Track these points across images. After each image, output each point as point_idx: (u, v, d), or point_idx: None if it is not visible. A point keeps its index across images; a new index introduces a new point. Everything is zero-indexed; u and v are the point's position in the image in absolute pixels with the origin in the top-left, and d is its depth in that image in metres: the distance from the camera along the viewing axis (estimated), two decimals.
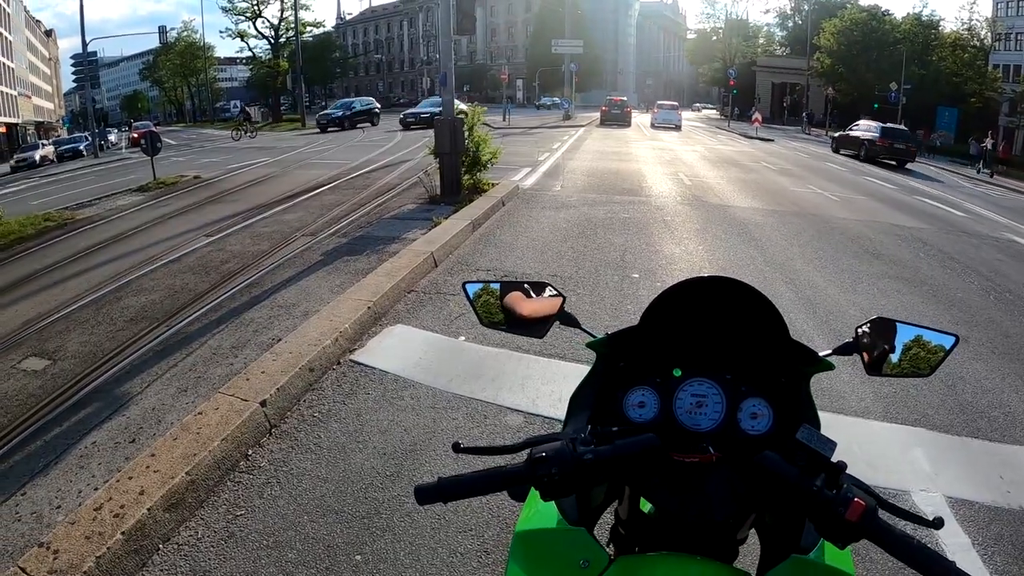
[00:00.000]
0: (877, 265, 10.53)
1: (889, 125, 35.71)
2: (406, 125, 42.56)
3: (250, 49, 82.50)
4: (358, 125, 48.63)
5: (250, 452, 4.43)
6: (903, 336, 1.75)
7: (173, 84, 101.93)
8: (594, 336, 1.75)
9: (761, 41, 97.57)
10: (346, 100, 57.98)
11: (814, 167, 28.60)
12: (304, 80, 71.45)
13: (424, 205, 13.27)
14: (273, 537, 3.66)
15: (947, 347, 1.73)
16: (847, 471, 1.29)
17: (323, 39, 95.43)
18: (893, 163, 33.32)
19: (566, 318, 1.83)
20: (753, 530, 1.62)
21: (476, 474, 1.34)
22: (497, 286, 1.88)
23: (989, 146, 42.05)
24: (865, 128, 35.67)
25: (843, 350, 1.77)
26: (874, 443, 4.96)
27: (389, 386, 5.45)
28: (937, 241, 13.23)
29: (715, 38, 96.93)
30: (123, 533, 3.44)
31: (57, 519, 3.97)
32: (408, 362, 5.91)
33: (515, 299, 1.85)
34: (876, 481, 4.35)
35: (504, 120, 43.54)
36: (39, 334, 7.74)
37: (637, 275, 8.86)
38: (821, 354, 1.72)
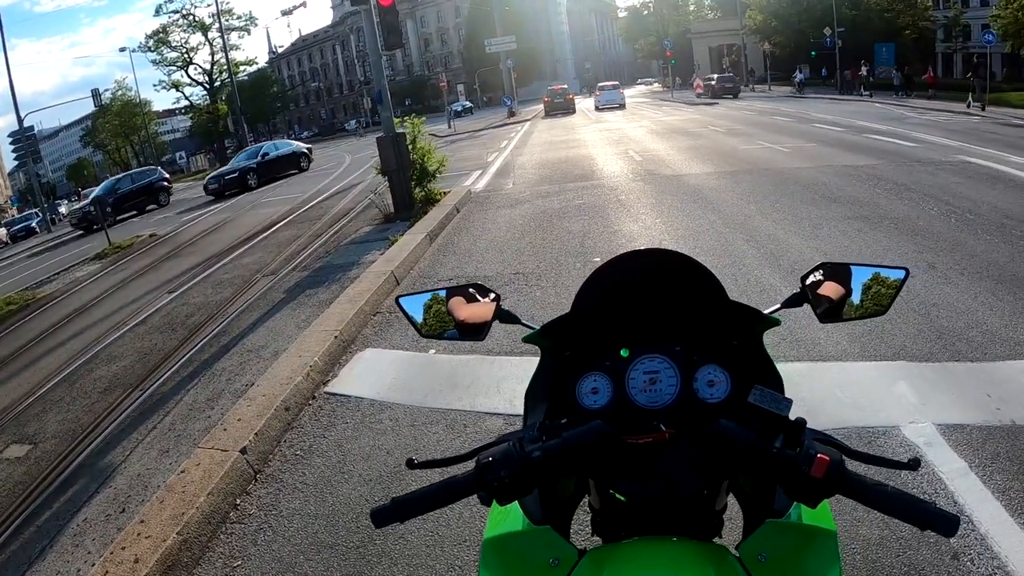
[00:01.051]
0: (836, 208, 10.65)
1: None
2: (213, 192, 31.87)
3: (186, 98, 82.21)
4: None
5: (238, 501, 4.43)
6: (849, 277, 1.73)
7: (116, 145, 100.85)
8: (533, 328, 1.74)
9: (692, 7, 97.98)
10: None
11: (761, 123, 28.85)
12: (246, 119, 71.15)
13: (380, 225, 13.28)
14: None
15: (899, 280, 1.74)
16: (810, 425, 1.28)
17: (258, 76, 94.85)
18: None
19: (504, 315, 1.82)
20: (734, 498, 1.62)
21: (429, 488, 1.33)
22: (429, 296, 1.85)
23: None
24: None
25: (792, 302, 1.75)
26: (857, 384, 4.98)
27: (366, 412, 5.46)
28: (892, 175, 13.39)
29: (646, 12, 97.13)
30: None
31: None
32: (382, 385, 5.92)
33: (451, 305, 1.82)
34: (863, 421, 4.44)
35: (449, 127, 43.56)
36: (16, 420, 7.66)
37: (599, 259, 8.73)
38: (770, 309, 1.71)
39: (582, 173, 17.34)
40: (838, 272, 1.74)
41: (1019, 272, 7.30)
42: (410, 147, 13.97)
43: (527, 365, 5.70)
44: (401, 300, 1.86)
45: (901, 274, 1.74)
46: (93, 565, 3.99)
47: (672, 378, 1.65)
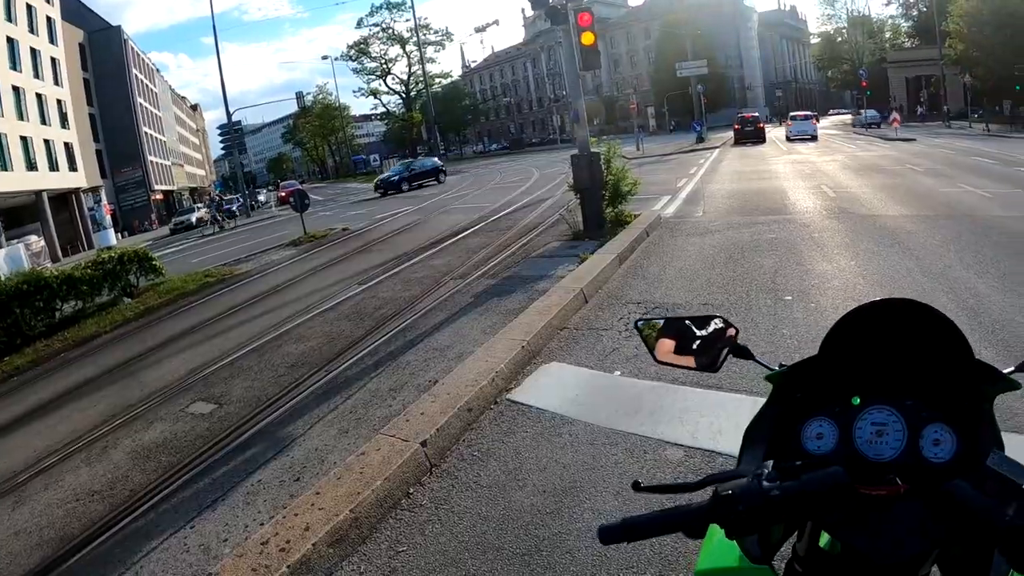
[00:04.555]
0: None
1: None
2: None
3: (383, 105, 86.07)
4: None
5: (411, 491, 4.52)
6: None
7: (314, 144, 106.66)
8: (770, 368, 1.73)
9: (888, 35, 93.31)
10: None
11: (961, 163, 27.23)
12: (438, 129, 73.47)
13: (568, 242, 13.29)
14: (434, 574, 3.70)
15: None
16: None
17: (452, 88, 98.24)
18: None
19: (739, 350, 1.82)
20: (935, 566, 1.48)
21: (660, 513, 1.31)
22: (667, 321, 1.88)
23: None
24: None
25: None
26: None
27: (546, 424, 5.44)
28: None
29: (840, 39, 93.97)
30: (288, 567, 3.58)
31: (224, 552, 4.19)
32: (564, 399, 5.88)
33: (688, 333, 1.84)
34: None
35: (638, 149, 43.47)
36: (205, 381, 8.24)
37: (790, 297, 8.58)
38: (1007, 370, 1.61)
39: (773, 206, 16.83)
40: None
41: None
42: (604, 167, 13.94)
43: (712, 398, 5.59)
44: (639, 323, 1.90)
45: None
46: (263, 524, 4.21)
47: (899, 432, 1.58)
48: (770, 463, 1.35)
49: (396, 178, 45.35)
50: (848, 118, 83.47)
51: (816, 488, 1.27)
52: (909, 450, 1.55)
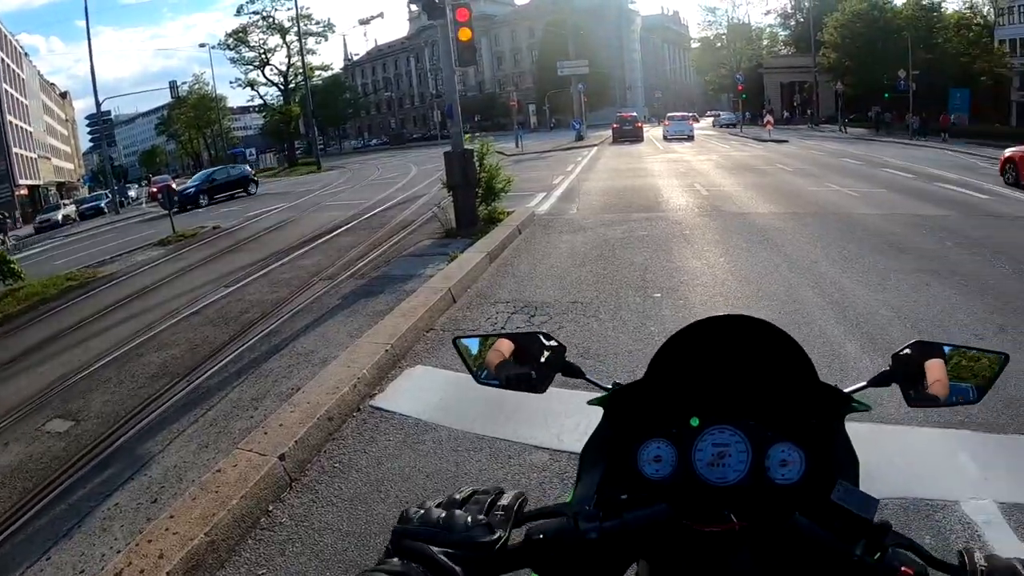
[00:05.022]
0: (904, 259, 10.37)
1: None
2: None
3: (261, 97, 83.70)
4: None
5: (271, 508, 4.33)
6: (943, 358, 1.59)
7: (189, 136, 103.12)
8: (603, 388, 1.62)
9: (765, 42, 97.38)
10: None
11: (830, 164, 28.54)
12: (317, 123, 72.17)
13: (440, 240, 13.21)
14: None
15: (996, 367, 1.58)
16: (892, 529, 1.16)
17: (332, 81, 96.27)
18: None
19: (569, 369, 1.68)
20: None
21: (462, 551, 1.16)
22: (489, 339, 1.74)
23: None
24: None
25: (880, 380, 1.60)
26: (917, 452, 4.75)
27: (410, 430, 5.32)
28: (962, 228, 13.07)
29: (719, 44, 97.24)
30: None
31: None
32: (429, 404, 5.78)
33: (511, 351, 1.71)
34: (923, 493, 4.23)
35: (517, 146, 43.63)
36: (63, 395, 7.82)
37: (659, 294, 8.74)
38: (854, 387, 1.58)
39: (647, 204, 17.18)
40: (931, 351, 1.59)
41: None
42: (478, 164, 13.92)
43: (577, 400, 5.48)
44: (459, 341, 1.75)
45: (1000, 359, 1.58)
46: (119, 552, 3.96)
47: (743, 454, 1.50)
48: (592, 499, 1.30)
49: (193, 190, 37.15)
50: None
51: (639, 528, 1.20)
52: (754, 473, 1.50)
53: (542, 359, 1.68)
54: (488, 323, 7.85)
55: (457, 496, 1.20)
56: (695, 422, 1.53)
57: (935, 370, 1.57)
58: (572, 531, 1.17)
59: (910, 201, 17.16)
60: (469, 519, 1.14)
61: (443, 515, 1.14)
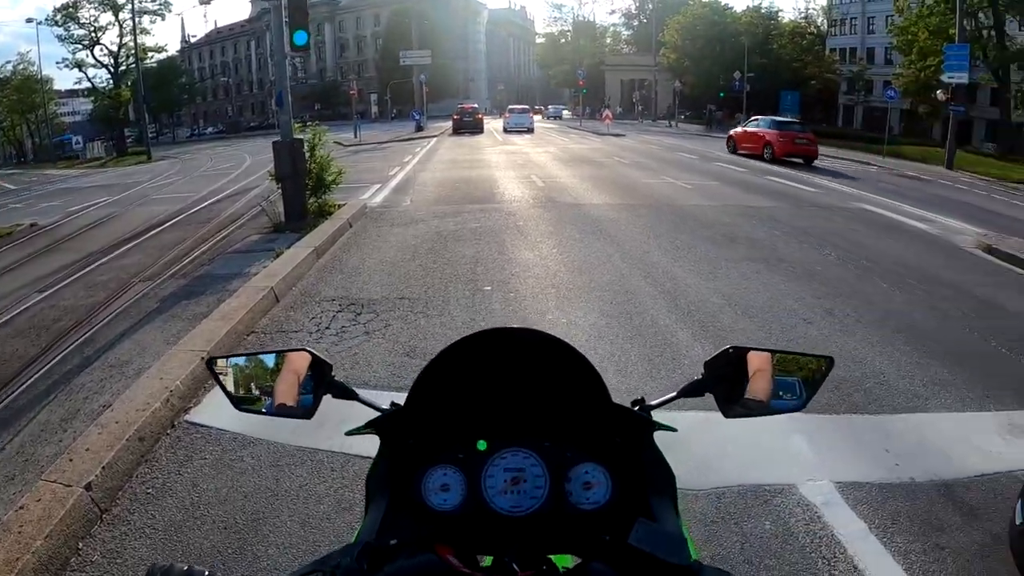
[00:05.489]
0: (734, 249, 10.92)
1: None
2: None
3: (89, 80, 79.09)
4: None
5: (81, 545, 3.94)
6: (763, 363, 1.52)
7: (12, 122, 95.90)
8: (379, 409, 1.52)
9: (608, 41, 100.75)
10: None
11: (665, 158, 29.56)
12: (149, 109, 68.98)
13: (268, 235, 12.83)
14: None
15: (823, 370, 1.55)
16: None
17: (167, 64, 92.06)
18: None
19: (337, 389, 1.55)
20: None
21: None
22: (249, 359, 1.61)
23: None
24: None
25: (692, 390, 1.54)
26: (751, 437, 4.79)
27: (227, 447, 5.00)
28: (791, 219, 13.95)
29: (563, 41, 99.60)
30: None
31: None
32: (247, 417, 5.38)
33: (274, 373, 1.57)
34: (759, 479, 4.36)
35: (356, 136, 43.18)
36: None
37: (489, 287, 8.83)
38: (663, 399, 1.54)
39: (482, 195, 17.34)
40: (744, 357, 1.52)
41: (914, 321, 7.63)
42: (308, 155, 13.63)
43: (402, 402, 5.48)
44: (214, 363, 1.60)
45: (825, 362, 1.56)
46: None
47: (539, 478, 1.40)
48: (357, 548, 1.14)
49: None
50: (567, 114, 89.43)
51: None
52: (554, 498, 1.40)
53: (309, 379, 1.54)
54: (312, 323, 7.66)
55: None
56: (483, 446, 1.43)
57: (756, 378, 1.50)
58: None
59: (742, 193, 18.19)
60: None
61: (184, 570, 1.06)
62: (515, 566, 1.17)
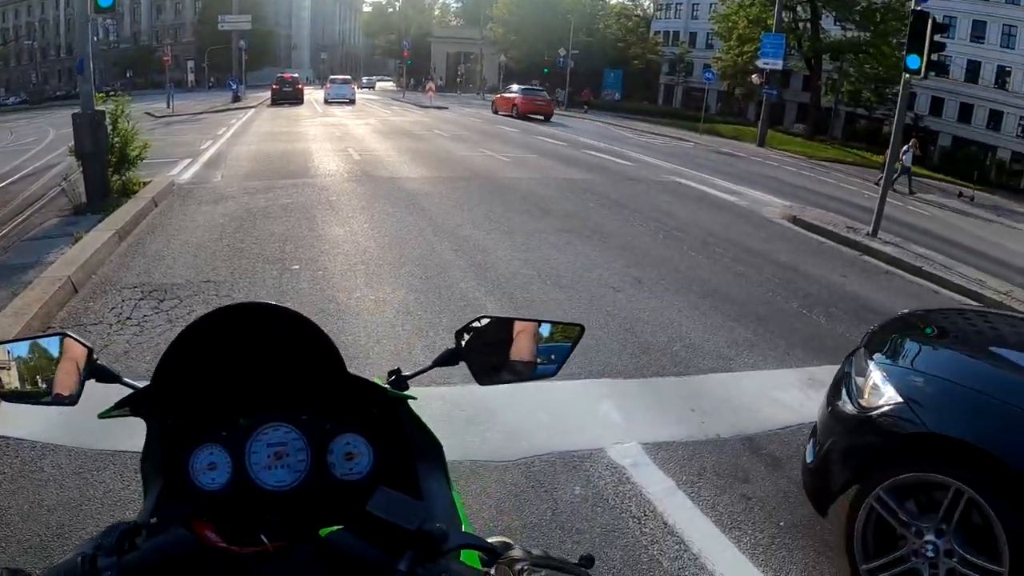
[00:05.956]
0: (549, 220, 11.29)
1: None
2: None
3: None
4: None
5: None
6: (515, 332, 1.58)
7: None
8: (135, 389, 1.46)
9: (437, 13, 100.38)
10: None
11: (486, 131, 29.91)
12: None
13: (69, 217, 12.12)
14: None
15: (573, 336, 1.63)
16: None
17: None
18: None
19: (100, 373, 1.47)
20: None
21: None
22: (11, 346, 1.49)
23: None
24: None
25: (446, 359, 1.58)
26: (561, 405, 5.02)
27: (26, 457, 4.62)
28: (606, 191, 14.59)
29: (391, 10, 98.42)
30: None
31: None
32: (47, 421, 4.87)
33: (34, 359, 1.49)
34: (568, 445, 4.53)
35: (168, 107, 41.22)
36: None
37: (297, 266, 8.83)
38: (416, 371, 1.58)
39: (296, 169, 17.15)
40: (502, 327, 1.59)
41: (720, 287, 8.21)
42: (111, 128, 12.98)
43: None
44: None
45: (577, 329, 1.64)
46: None
47: (301, 451, 1.44)
48: (118, 528, 1.13)
49: None
50: (390, 85, 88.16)
51: (163, 557, 1.12)
52: (316, 471, 1.44)
53: (70, 364, 1.46)
54: (112, 314, 7.38)
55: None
56: (244, 421, 1.45)
57: (516, 346, 1.57)
58: (86, 572, 1.06)
59: (560, 166, 18.77)
60: None
61: None
62: (263, 536, 1.19)
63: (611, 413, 5.03)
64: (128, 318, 7.30)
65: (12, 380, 1.47)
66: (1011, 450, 3.03)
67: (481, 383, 1.59)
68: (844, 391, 3.84)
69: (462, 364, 1.58)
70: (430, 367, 1.58)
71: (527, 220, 11.33)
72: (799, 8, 49.89)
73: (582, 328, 1.66)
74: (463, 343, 1.58)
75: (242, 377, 1.47)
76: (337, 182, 15.27)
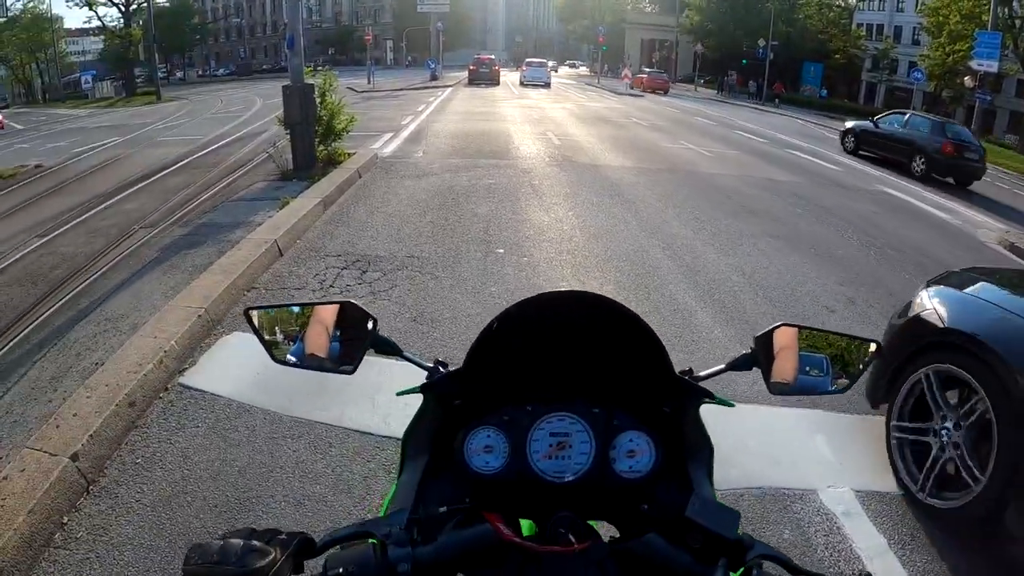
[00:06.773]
0: (755, 223, 10.59)
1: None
2: None
3: (99, 18, 77.67)
4: None
5: (66, 520, 3.59)
6: (810, 343, 1.51)
7: (20, 61, 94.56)
8: (422, 366, 1.46)
9: None
10: None
11: (685, 122, 29.22)
12: (160, 49, 68.18)
13: (275, 182, 12.38)
14: None
15: (868, 354, 1.53)
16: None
17: (179, 4, 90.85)
18: None
19: (382, 344, 1.48)
20: None
21: None
22: (289, 310, 1.54)
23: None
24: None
25: (740, 364, 1.52)
26: (771, 434, 4.64)
27: (221, 414, 4.63)
28: (813, 195, 13.66)
29: None
30: None
31: None
32: (244, 381, 5.03)
33: (315, 325, 1.48)
34: (780, 481, 4.16)
35: (369, 83, 42.73)
36: None
37: (502, 250, 8.49)
38: (711, 371, 1.50)
39: (496, 150, 16.91)
40: (798, 336, 1.50)
41: None
42: (319, 101, 13.23)
43: (410, 372, 5.05)
44: (252, 312, 1.50)
45: (870, 346, 1.53)
46: None
47: (585, 444, 1.34)
48: (404, 517, 1.11)
49: None
50: (584, 70, 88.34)
51: (459, 552, 1.09)
52: (598, 465, 1.35)
53: (351, 333, 1.48)
54: (316, 280, 7.29)
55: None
56: (531, 408, 1.37)
57: (795, 356, 1.50)
58: (379, 563, 1.02)
59: (763, 165, 17.95)
60: (242, 546, 0.99)
61: (220, 546, 1.00)
62: (571, 537, 1.16)
63: (823, 450, 4.56)
64: (331, 286, 7.17)
65: (291, 342, 1.49)
66: (1010, 345, 3.67)
67: (772, 392, 1.51)
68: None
69: None
70: (724, 370, 1.50)
71: (734, 221, 10.63)
72: (1015, 3, 45.02)
73: (879, 345, 1.53)
74: (759, 348, 1.49)
75: (537, 364, 1.40)
76: (538, 166, 14.87)
